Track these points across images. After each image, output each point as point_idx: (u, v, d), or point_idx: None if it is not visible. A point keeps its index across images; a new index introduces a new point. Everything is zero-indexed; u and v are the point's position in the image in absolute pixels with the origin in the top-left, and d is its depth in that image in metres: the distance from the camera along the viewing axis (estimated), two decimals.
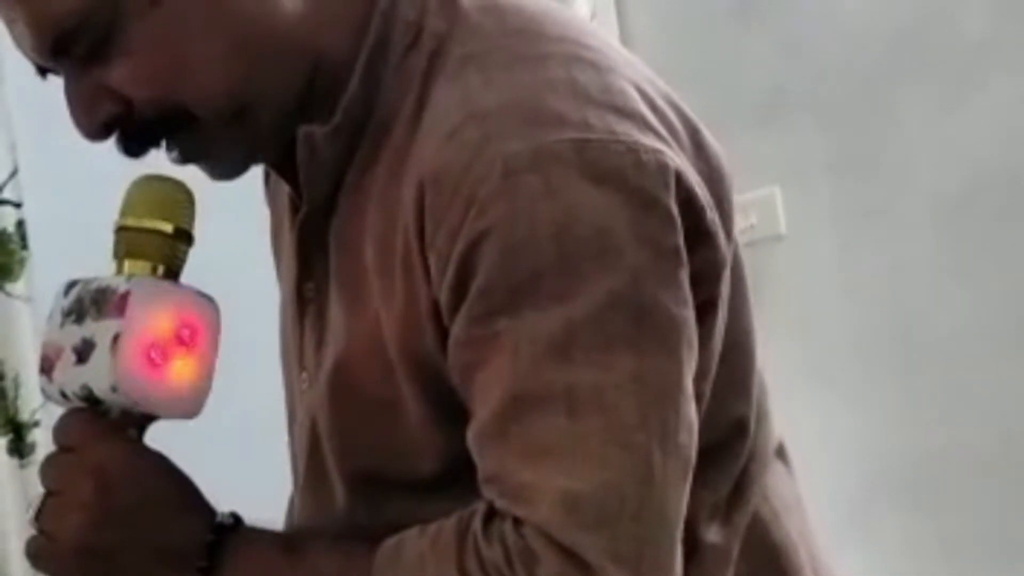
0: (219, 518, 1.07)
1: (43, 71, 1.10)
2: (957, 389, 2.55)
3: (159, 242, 1.09)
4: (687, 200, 1.03)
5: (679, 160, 1.04)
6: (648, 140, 1.03)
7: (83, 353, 1.06)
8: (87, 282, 1.08)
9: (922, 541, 2.59)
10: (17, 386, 2.63)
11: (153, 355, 1.06)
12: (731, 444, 1.12)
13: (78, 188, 2.72)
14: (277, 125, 1.10)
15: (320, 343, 1.12)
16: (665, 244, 1.01)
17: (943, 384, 2.56)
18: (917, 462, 2.58)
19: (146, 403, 1.07)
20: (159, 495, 1.07)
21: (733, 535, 1.12)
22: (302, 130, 1.09)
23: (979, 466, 2.53)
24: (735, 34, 2.70)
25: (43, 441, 2.63)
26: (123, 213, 1.10)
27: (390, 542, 1.04)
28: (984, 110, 2.52)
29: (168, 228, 1.09)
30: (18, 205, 2.66)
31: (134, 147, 1.09)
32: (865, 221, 2.63)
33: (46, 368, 1.08)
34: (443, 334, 1.04)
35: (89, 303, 1.06)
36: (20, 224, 2.67)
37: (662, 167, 1.02)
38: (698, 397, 1.05)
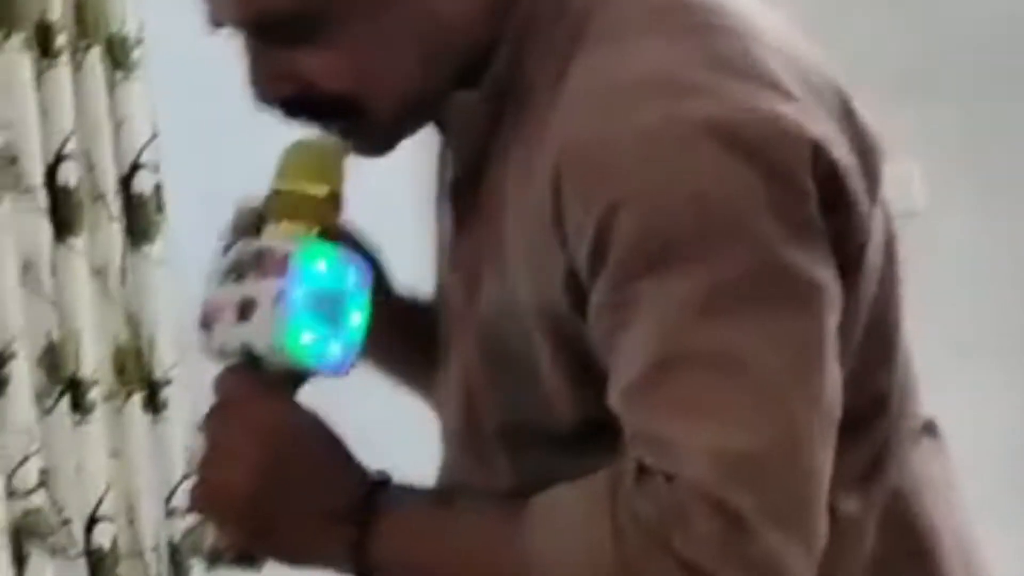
0: (374, 474, 1.09)
1: (219, 25, 1.12)
2: None
3: (314, 204, 1.11)
4: (827, 169, 1.04)
5: (820, 129, 1.04)
6: (787, 109, 1.03)
7: (244, 311, 1.08)
8: (247, 242, 1.11)
9: None
10: (152, 345, 2.69)
11: (313, 314, 1.08)
12: (872, 416, 1.13)
13: (213, 154, 2.76)
14: (438, 105, 1.13)
15: (470, 301, 1.15)
16: (799, 212, 1.03)
17: None
18: None
19: (304, 361, 1.09)
20: (317, 451, 1.09)
21: (870, 509, 1.13)
22: (453, 97, 1.12)
23: None
24: (874, 6, 2.66)
25: (176, 398, 2.69)
26: (279, 176, 1.13)
27: (541, 497, 1.05)
28: None
29: (322, 191, 1.12)
30: (156, 169, 2.71)
31: (296, 116, 1.12)
32: (1003, 197, 2.58)
33: (206, 326, 1.11)
34: (580, 300, 1.05)
35: (250, 262, 1.09)
36: (157, 188, 2.72)
37: (799, 137, 1.03)
38: (841, 366, 1.05)
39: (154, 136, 2.70)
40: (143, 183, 2.70)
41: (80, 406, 2.62)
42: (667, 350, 1.02)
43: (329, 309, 1.09)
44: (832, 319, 1.04)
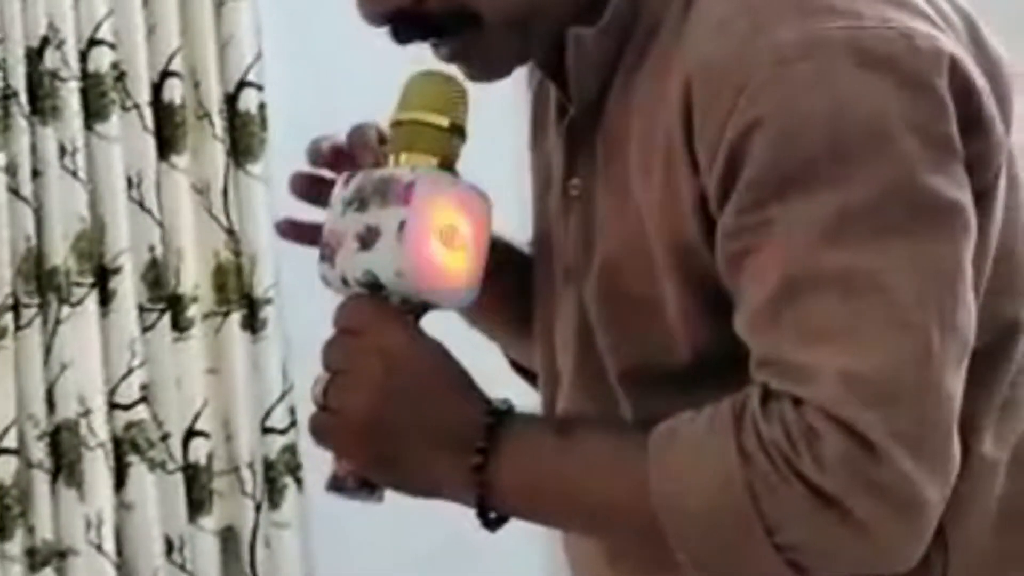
0: (495, 403, 1.09)
1: None
2: None
3: (436, 136, 1.11)
4: (963, 87, 1.03)
5: (955, 47, 1.03)
6: (923, 26, 1.02)
7: (367, 240, 1.08)
8: (368, 172, 1.11)
9: None
10: (253, 263, 2.71)
11: (437, 243, 1.08)
12: (1004, 346, 1.11)
13: (317, 74, 2.77)
14: (552, 32, 1.12)
15: (588, 241, 1.14)
16: (938, 130, 1.01)
17: None
18: None
19: (428, 290, 1.09)
20: (441, 377, 1.09)
21: (1003, 448, 1.11)
22: (572, 31, 1.11)
23: None
24: None
25: (275, 318, 2.71)
26: (401, 108, 1.12)
27: (663, 425, 1.05)
28: None
29: (444, 122, 1.11)
30: (260, 88, 2.72)
31: (406, 36, 1.11)
32: None
33: (327, 255, 1.11)
34: (708, 226, 1.04)
35: (372, 192, 1.09)
36: (262, 107, 2.73)
37: (937, 52, 1.02)
38: (974, 291, 1.04)
39: (259, 56, 2.71)
40: (248, 102, 2.71)
41: (180, 323, 2.66)
42: (797, 273, 1.00)
43: (450, 239, 1.09)
44: (968, 244, 1.02)
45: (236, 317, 2.70)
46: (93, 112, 2.58)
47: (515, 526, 1.10)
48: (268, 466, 2.73)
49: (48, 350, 2.55)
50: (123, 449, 2.59)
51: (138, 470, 2.59)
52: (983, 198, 1.05)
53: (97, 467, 2.54)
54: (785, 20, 1.01)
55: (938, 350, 1.00)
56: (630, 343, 1.12)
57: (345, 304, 1.10)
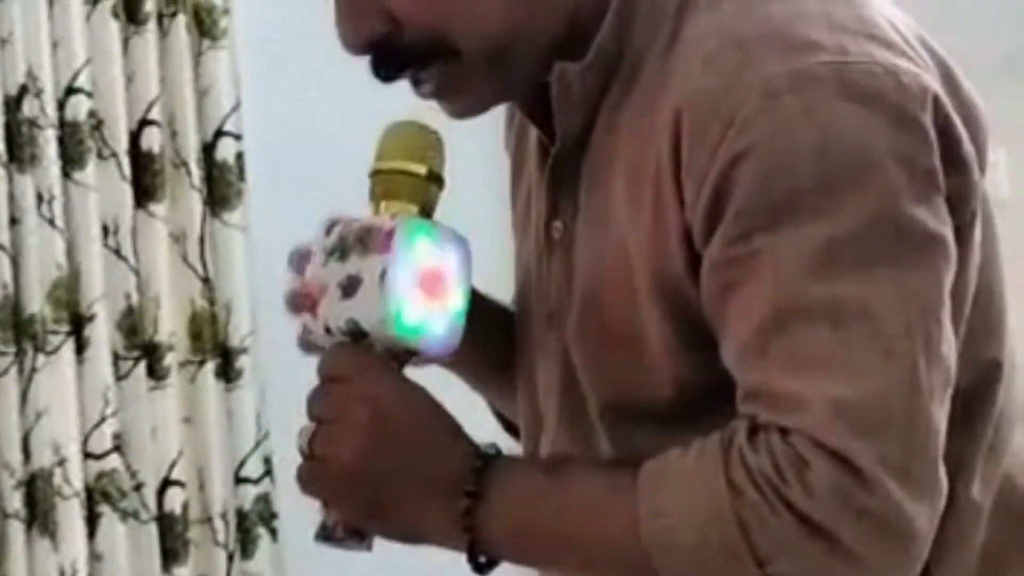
0: (482, 446, 1.09)
1: None
2: None
3: (414, 184, 1.12)
4: (944, 124, 1.04)
5: (936, 85, 1.05)
6: (906, 64, 1.04)
7: (349, 289, 1.08)
8: (348, 222, 1.11)
9: None
10: (229, 312, 2.71)
11: (419, 290, 1.09)
12: (987, 387, 1.11)
13: (296, 124, 2.78)
14: (532, 67, 1.13)
15: (569, 279, 1.14)
16: (923, 163, 1.02)
17: None
18: None
19: (410, 337, 1.10)
20: (428, 423, 1.08)
21: (987, 493, 1.11)
22: (557, 67, 1.11)
23: None
24: None
25: (250, 367, 2.70)
26: (379, 157, 1.13)
27: (652, 461, 1.04)
28: None
29: (422, 170, 1.12)
30: (238, 137, 2.73)
31: (387, 72, 1.12)
32: None
33: (309, 305, 1.11)
34: (693, 259, 1.05)
35: (353, 241, 1.09)
36: (239, 156, 2.73)
37: (922, 88, 1.03)
38: (955, 330, 1.04)
39: (237, 105, 2.72)
40: (225, 151, 2.72)
41: (155, 371, 2.65)
42: (785, 304, 1.01)
43: (433, 287, 1.09)
44: (949, 276, 1.03)
45: (211, 366, 2.70)
46: (70, 160, 2.58)
47: (503, 569, 1.10)
48: (241, 516, 2.72)
49: (24, 398, 2.54)
50: (95, 499, 2.57)
51: (109, 520, 2.57)
52: (960, 236, 1.05)
53: (71, 517, 2.52)
54: (773, 54, 1.02)
55: (925, 379, 1.00)
56: (612, 379, 1.12)
57: (329, 353, 1.10)
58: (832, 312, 0.99)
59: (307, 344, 1.15)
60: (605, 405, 1.13)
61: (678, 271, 1.05)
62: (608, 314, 1.10)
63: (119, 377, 2.62)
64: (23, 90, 2.55)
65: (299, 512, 1.17)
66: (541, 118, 1.15)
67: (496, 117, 1.24)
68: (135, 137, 2.65)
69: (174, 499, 2.64)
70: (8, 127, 2.54)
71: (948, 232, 1.03)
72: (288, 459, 1.13)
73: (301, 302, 1.12)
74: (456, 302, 1.10)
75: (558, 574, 1.13)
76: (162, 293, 2.65)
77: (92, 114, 2.60)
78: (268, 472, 2.72)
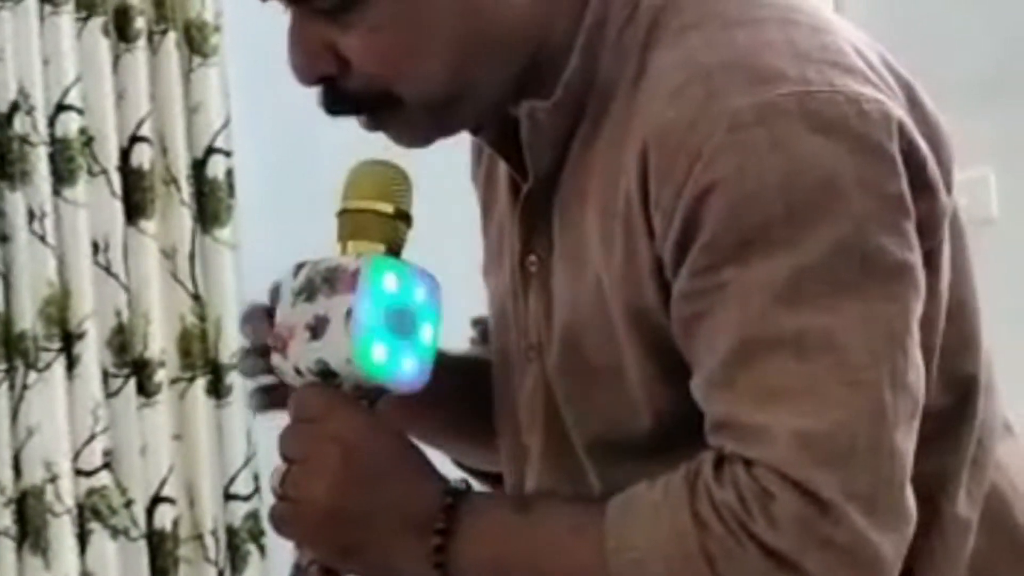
0: (453, 483, 1.09)
1: None
2: None
3: (381, 223, 1.12)
4: (909, 150, 1.05)
5: (900, 111, 1.05)
6: (869, 91, 1.04)
7: (317, 330, 1.09)
8: (315, 263, 1.12)
9: None
10: (219, 329, 2.71)
11: (386, 329, 1.09)
12: (967, 403, 1.12)
13: (286, 141, 2.78)
14: (482, 110, 1.13)
15: (548, 314, 1.15)
16: (889, 190, 1.03)
17: None
18: None
19: (379, 376, 1.10)
20: (399, 461, 1.09)
21: (973, 507, 1.12)
22: (525, 106, 1.12)
23: None
24: (949, 10, 2.63)
25: (240, 384, 2.70)
26: (345, 197, 1.14)
27: (620, 496, 1.05)
28: None
29: (389, 209, 1.12)
30: (228, 154, 2.73)
31: (334, 108, 1.12)
32: None
33: (279, 347, 1.12)
34: (666, 291, 1.05)
35: (320, 282, 1.10)
36: (229, 173, 2.73)
37: (885, 116, 1.04)
38: (928, 350, 1.05)
39: (228, 122, 2.72)
40: (216, 168, 2.72)
41: (146, 388, 2.65)
42: (752, 336, 1.01)
43: (400, 324, 1.10)
44: (917, 305, 1.04)
45: (201, 383, 2.69)
46: (61, 177, 2.58)
47: None
48: (231, 533, 2.72)
49: (15, 415, 2.53)
50: (85, 516, 2.57)
51: (100, 537, 2.57)
52: (930, 258, 1.06)
53: (63, 534, 2.52)
54: (737, 87, 1.02)
55: (890, 409, 1.01)
56: (594, 414, 1.13)
57: (299, 393, 1.11)
58: (797, 343, 1.00)
59: (248, 371, 1.17)
60: (590, 439, 1.14)
61: (652, 303, 1.06)
62: (588, 349, 1.11)
63: (109, 394, 2.61)
64: (14, 107, 2.55)
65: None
66: (511, 154, 1.16)
67: (467, 150, 1.24)
68: (126, 154, 2.65)
69: (164, 516, 2.64)
70: None
71: (916, 259, 1.03)
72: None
73: (264, 352, 1.13)
74: (425, 338, 1.11)
75: None
76: (152, 309, 2.65)
77: (83, 131, 2.60)
78: (258, 489, 2.71)
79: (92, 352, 2.58)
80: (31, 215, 2.54)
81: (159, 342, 2.65)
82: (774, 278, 1.01)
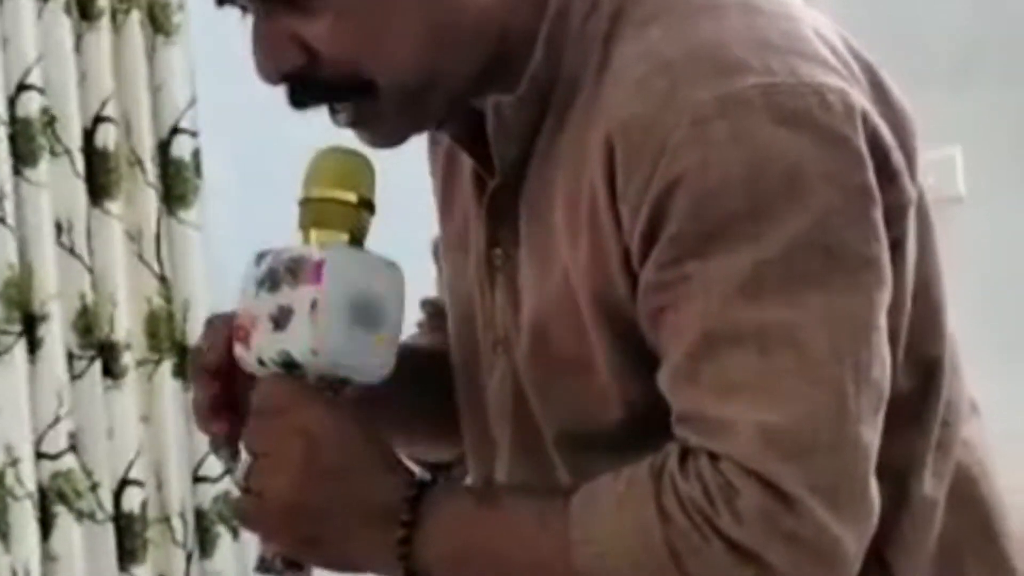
0: (418, 475, 1.09)
1: (222, 2, 1.11)
2: None
3: (344, 212, 1.12)
4: (873, 139, 1.05)
5: (863, 100, 1.05)
6: (832, 80, 1.04)
7: (280, 321, 1.08)
8: (278, 252, 1.11)
9: None
10: (186, 310, 2.69)
11: (349, 319, 1.08)
12: (931, 386, 1.13)
13: (252, 120, 2.76)
14: (452, 101, 1.12)
15: (516, 307, 1.14)
16: (854, 182, 1.03)
17: None
18: None
19: (343, 366, 1.10)
20: (364, 453, 1.09)
21: (940, 486, 1.13)
22: (491, 100, 1.11)
23: None
24: None
25: None
26: (307, 185, 1.13)
27: (585, 488, 1.05)
28: None
29: (352, 198, 1.11)
30: (194, 134, 2.71)
31: (303, 100, 1.11)
32: None
33: (241, 337, 1.11)
34: (634, 283, 1.05)
35: (283, 272, 1.09)
36: (196, 153, 2.71)
37: (848, 106, 1.04)
38: (894, 334, 1.06)
39: (193, 101, 2.70)
40: (181, 148, 2.70)
41: (112, 370, 2.63)
42: (715, 329, 1.01)
43: (364, 314, 1.09)
44: (882, 296, 1.04)
45: (168, 365, 2.68)
46: (21, 158, 2.55)
47: None
48: (200, 515, 2.70)
49: None
50: (49, 499, 2.55)
51: (65, 520, 2.55)
52: (896, 245, 1.06)
53: (24, 518, 2.50)
54: (700, 79, 1.02)
55: (853, 403, 1.01)
56: (563, 406, 1.13)
57: (263, 385, 1.10)
58: (760, 337, 1.01)
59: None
60: (559, 431, 1.13)
61: (621, 295, 1.06)
62: (556, 342, 1.10)
63: (74, 376, 2.59)
64: None
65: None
66: (476, 149, 1.15)
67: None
68: (89, 134, 2.63)
69: (132, 499, 2.62)
70: None
71: (882, 251, 1.03)
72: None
73: (235, 326, 1.11)
74: (389, 329, 1.10)
75: None
76: (118, 291, 2.63)
77: (45, 111, 2.57)
78: (228, 471, 2.70)
79: (56, 334, 2.55)
80: None
81: (125, 324, 2.63)
82: (737, 271, 1.01)
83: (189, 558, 2.67)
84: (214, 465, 2.70)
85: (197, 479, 2.71)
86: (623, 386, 1.08)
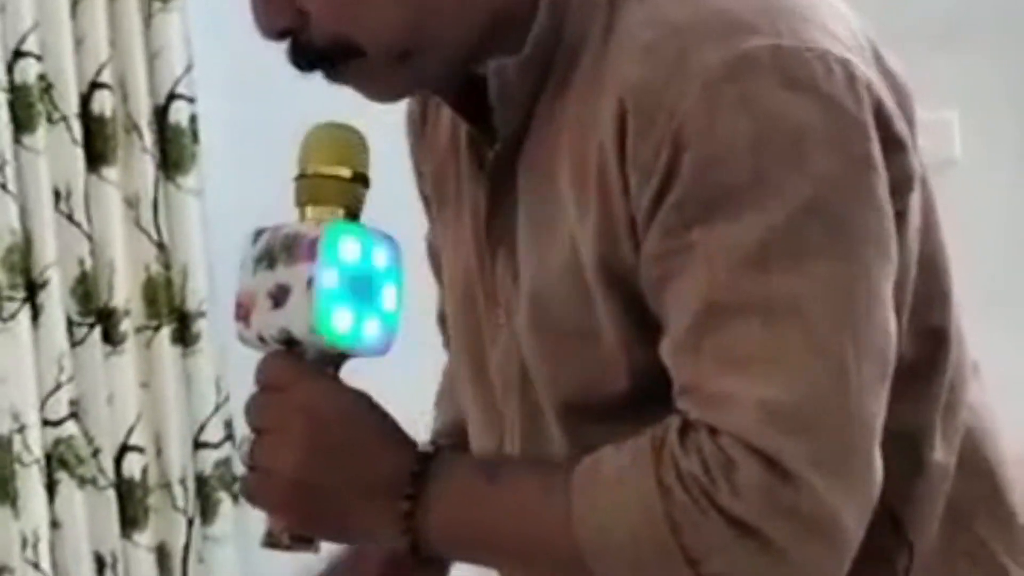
0: (421, 447, 1.10)
1: None
2: None
3: (339, 187, 1.12)
4: (877, 109, 1.05)
5: (867, 69, 1.05)
6: (837, 49, 1.04)
7: (279, 298, 1.09)
8: (275, 229, 1.12)
9: None
10: (185, 276, 2.69)
11: (348, 294, 1.09)
12: (938, 354, 1.13)
13: (249, 85, 2.75)
14: (446, 67, 1.12)
15: (515, 278, 1.14)
16: (858, 151, 1.03)
17: None
18: None
19: (342, 342, 1.10)
20: (366, 429, 1.09)
21: (951, 451, 1.13)
22: (493, 64, 1.11)
23: None
24: None
25: (207, 332, 2.69)
26: (302, 162, 1.13)
27: (587, 460, 1.05)
28: None
29: (347, 173, 1.12)
30: (191, 100, 2.71)
31: (302, 63, 1.12)
32: None
33: (242, 315, 1.12)
34: (640, 252, 1.05)
35: (280, 249, 1.10)
36: (193, 119, 2.71)
37: (851, 75, 1.04)
38: (899, 305, 1.06)
39: (190, 67, 2.70)
40: (178, 114, 2.69)
41: (111, 337, 2.63)
42: (719, 299, 1.01)
43: (362, 289, 1.09)
44: (885, 266, 1.03)
45: (167, 331, 2.68)
46: (20, 124, 2.55)
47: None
48: (201, 481, 2.71)
49: None
50: (52, 466, 2.56)
51: (67, 487, 2.56)
52: (901, 216, 1.06)
53: (32, 484, 2.51)
54: (709, 42, 1.02)
55: (854, 376, 1.01)
56: (567, 376, 1.12)
57: (264, 362, 1.11)
58: (763, 308, 1.00)
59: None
60: (560, 400, 1.13)
61: (629, 262, 1.05)
62: (560, 310, 1.10)
63: (74, 343, 2.60)
64: None
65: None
66: (473, 114, 1.15)
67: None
68: (86, 100, 2.63)
69: (133, 465, 2.63)
70: None
71: (886, 222, 1.03)
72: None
73: (236, 303, 1.12)
74: (388, 302, 1.11)
75: (508, 572, 1.15)
76: (116, 258, 2.63)
77: (42, 77, 2.57)
78: (230, 436, 2.71)
79: (56, 301, 2.56)
80: None
81: (124, 291, 2.64)
82: (742, 241, 1.00)
83: (190, 524, 2.68)
84: (214, 431, 2.71)
85: (198, 445, 2.71)
86: (630, 355, 1.08)
